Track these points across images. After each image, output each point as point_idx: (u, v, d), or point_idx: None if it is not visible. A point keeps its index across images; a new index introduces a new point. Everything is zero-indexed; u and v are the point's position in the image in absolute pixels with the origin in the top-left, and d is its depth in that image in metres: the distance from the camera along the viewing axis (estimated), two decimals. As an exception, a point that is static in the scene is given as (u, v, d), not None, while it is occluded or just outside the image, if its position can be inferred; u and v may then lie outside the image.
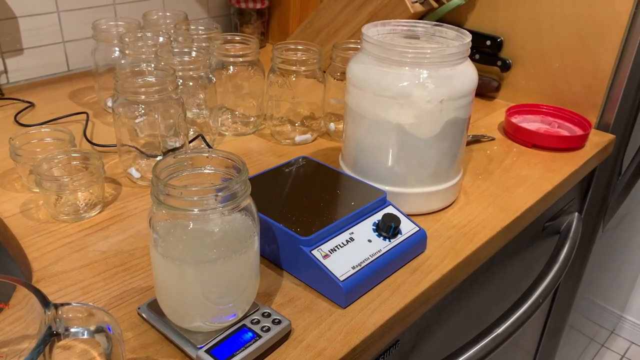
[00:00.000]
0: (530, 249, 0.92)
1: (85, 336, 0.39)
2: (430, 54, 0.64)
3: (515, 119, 0.96)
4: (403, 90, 0.65)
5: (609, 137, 0.95)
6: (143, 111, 0.72)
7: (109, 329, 0.40)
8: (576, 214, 0.98)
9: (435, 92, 0.64)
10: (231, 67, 0.88)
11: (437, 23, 0.72)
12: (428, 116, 0.66)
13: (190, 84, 0.82)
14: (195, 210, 0.45)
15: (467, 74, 0.67)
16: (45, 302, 0.38)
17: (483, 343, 0.74)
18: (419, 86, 0.64)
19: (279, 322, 0.51)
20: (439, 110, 0.65)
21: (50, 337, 0.36)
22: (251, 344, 0.49)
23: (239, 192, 0.46)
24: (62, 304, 0.39)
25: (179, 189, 0.45)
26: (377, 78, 0.66)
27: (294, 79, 0.85)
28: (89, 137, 0.87)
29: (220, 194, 0.45)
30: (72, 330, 0.38)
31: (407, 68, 0.65)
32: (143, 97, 0.71)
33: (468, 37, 0.68)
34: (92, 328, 0.39)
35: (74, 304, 0.40)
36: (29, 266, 0.60)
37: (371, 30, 0.70)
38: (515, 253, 0.87)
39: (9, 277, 0.40)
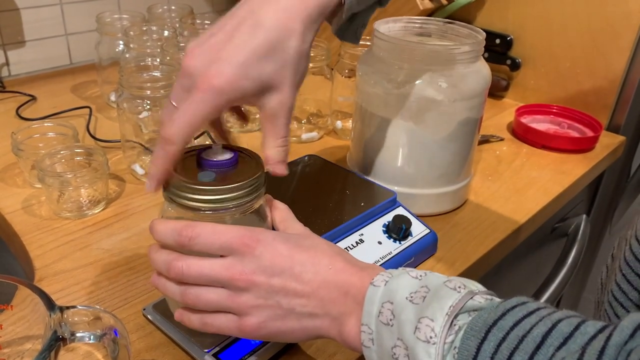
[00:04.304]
0: (538, 252, 0.91)
1: (92, 341, 0.37)
2: (444, 52, 0.63)
3: (524, 119, 0.95)
4: (415, 89, 0.63)
5: (620, 138, 0.94)
6: (148, 106, 0.71)
7: (116, 332, 0.39)
8: (584, 216, 0.97)
9: (448, 92, 0.63)
10: (237, 63, 0.86)
11: (449, 20, 0.71)
12: (440, 116, 0.64)
13: (196, 79, 0.81)
14: (208, 210, 0.43)
15: (481, 73, 0.66)
16: (50, 305, 0.37)
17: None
18: (431, 85, 0.63)
19: (288, 325, 0.50)
20: (452, 109, 0.64)
21: (56, 342, 0.35)
22: (260, 348, 0.48)
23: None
24: (68, 307, 0.38)
25: None
26: (388, 76, 0.65)
27: (301, 75, 0.83)
28: (92, 132, 0.85)
29: None
30: (78, 334, 0.37)
31: (419, 66, 0.63)
32: (148, 92, 0.69)
33: (481, 35, 0.66)
34: (99, 332, 0.38)
35: (80, 307, 0.38)
36: (31, 264, 0.59)
37: (383, 27, 0.68)
38: (524, 255, 0.86)
39: (15, 278, 0.39)
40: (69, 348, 0.49)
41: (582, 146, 0.89)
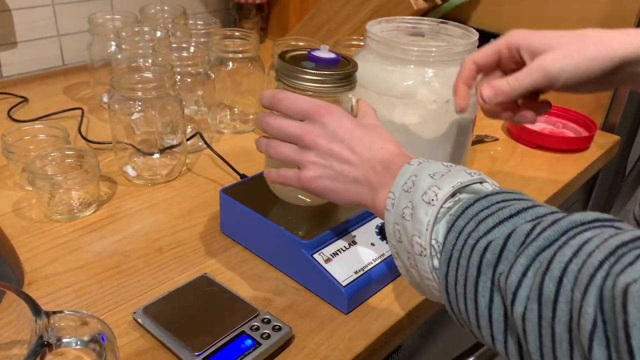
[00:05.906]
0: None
1: (78, 346, 0.37)
2: (437, 52, 0.63)
3: (519, 119, 0.95)
4: (408, 90, 0.63)
5: (614, 138, 0.93)
6: (140, 108, 0.70)
7: (103, 338, 0.38)
8: (579, 215, 0.97)
9: (441, 92, 0.63)
10: (230, 63, 0.86)
11: (443, 20, 0.70)
12: (433, 116, 0.64)
13: (189, 80, 0.80)
14: (304, 89, 0.53)
15: (474, 73, 0.65)
16: (36, 310, 0.36)
17: (485, 347, 0.72)
18: (425, 85, 0.63)
19: (280, 328, 0.50)
20: (445, 110, 0.64)
21: (42, 348, 0.35)
22: (251, 352, 0.47)
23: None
24: (54, 312, 0.37)
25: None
26: (381, 76, 0.64)
27: (294, 76, 0.83)
28: (83, 134, 0.84)
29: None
30: (65, 340, 0.36)
31: (412, 66, 0.63)
32: (140, 93, 0.69)
33: (475, 35, 0.66)
34: (86, 338, 0.37)
35: (67, 312, 0.38)
36: (21, 267, 0.58)
37: (375, 27, 0.68)
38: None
39: (1, 283, 0.38)
40: (58, 353, 0.48)
41: (576, 146, 0.89)
